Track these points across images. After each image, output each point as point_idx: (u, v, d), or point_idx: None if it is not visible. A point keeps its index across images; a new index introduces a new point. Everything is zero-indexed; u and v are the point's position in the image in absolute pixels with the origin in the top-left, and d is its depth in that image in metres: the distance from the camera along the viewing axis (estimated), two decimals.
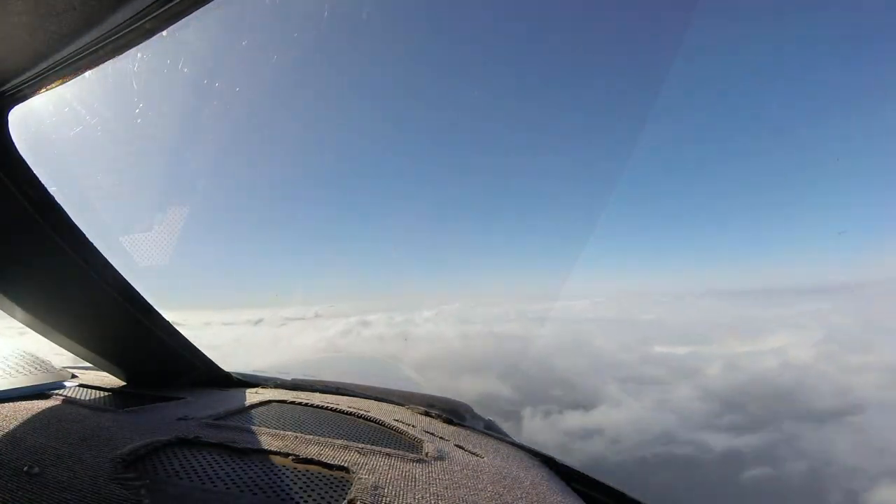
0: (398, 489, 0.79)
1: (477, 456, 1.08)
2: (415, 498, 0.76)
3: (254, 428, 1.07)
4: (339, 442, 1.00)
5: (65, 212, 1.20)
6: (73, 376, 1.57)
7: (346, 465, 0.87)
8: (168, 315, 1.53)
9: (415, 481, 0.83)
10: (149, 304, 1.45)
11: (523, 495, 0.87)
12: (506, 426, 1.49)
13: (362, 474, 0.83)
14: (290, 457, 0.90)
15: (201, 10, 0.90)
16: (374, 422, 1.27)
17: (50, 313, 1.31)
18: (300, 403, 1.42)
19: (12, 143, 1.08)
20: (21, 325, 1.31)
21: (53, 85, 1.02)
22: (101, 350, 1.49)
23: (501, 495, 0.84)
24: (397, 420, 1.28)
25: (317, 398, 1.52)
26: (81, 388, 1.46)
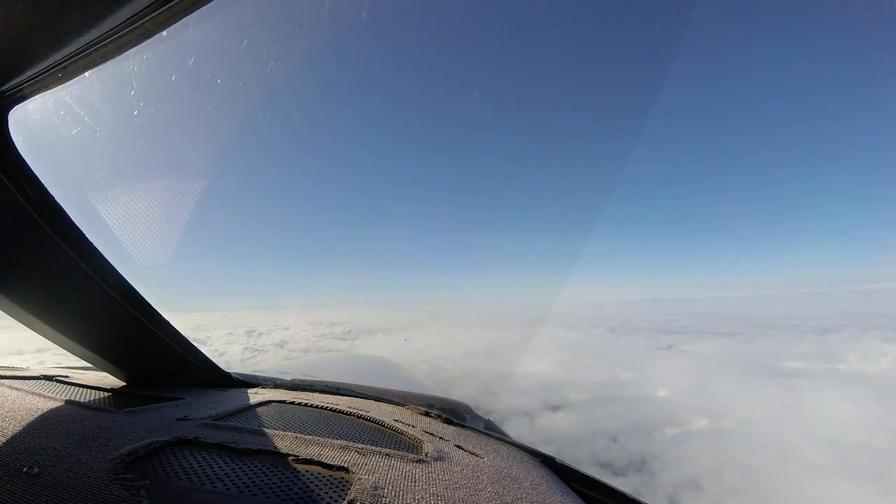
0: (398, 489, 0.79)
1: (477, 456, 1.08)
2: (414, 498, 0.76)
3: (253, 428, 1.07)
4: (339, 442, 1.00)
5: (65, 212, 1.20)
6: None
7: (346, 465, 0.87)
8: (169, 315, 1.52)
9: (415, 481, 0.83)
10: (149, 304, 1.45)
11: (523, 495, 0.87)
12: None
13: (362, 475, 0.83)
14: (290, 457, 0.90)
15: (201, 10, 0.90)
16: (374, 422, 1.27)
17: (50, 313, 1.31)
18: (300, 404, 1.41)
19: (12, 143, 1.08)
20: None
21: (53, 85, 1.02)
22: (100, 350, 1.48)
23: (501, 495, 0.84)
24: (397, 420, 1.28)
25: (317, 398, 1.52)
26: (81, 388, 1.46)
